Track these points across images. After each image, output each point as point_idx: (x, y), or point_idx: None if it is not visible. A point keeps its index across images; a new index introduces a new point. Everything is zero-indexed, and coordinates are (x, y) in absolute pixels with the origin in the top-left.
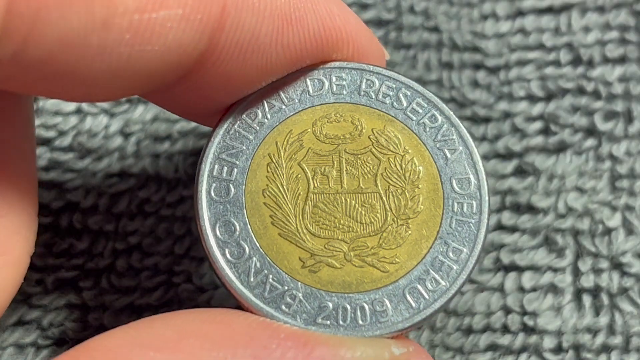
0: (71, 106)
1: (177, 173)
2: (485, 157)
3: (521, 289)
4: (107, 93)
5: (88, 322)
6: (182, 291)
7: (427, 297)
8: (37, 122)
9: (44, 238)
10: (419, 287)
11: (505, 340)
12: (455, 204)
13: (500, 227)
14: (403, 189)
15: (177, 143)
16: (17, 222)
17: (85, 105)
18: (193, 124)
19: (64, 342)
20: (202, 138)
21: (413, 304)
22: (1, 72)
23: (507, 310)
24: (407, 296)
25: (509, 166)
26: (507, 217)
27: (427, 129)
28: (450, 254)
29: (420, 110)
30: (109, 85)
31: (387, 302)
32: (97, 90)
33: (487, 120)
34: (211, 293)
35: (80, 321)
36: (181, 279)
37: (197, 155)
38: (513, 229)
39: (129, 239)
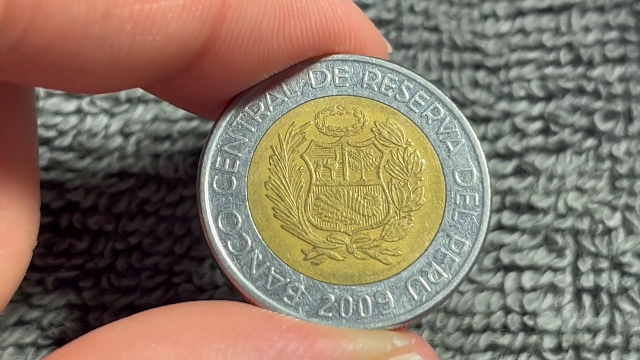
0: (71, 106)
1: (177, 173)
2: (486, 157)
3: (521, 289)
4: (107, 84)
5: (88, 322)
6: (182, 291)
7: (429, 289)
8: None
9: (44, 238)
10: (421, 279)
11: (505, 340)
12: (458, 197)
13: (500, 227)
14: (405, 181)
15: (177, 143)
16: (19, 214)
17: (85, 105)
18: (193, 124)
19: (64, 342)
20: (202, 138)
21: (415, 296)
22: (2, 62)
23: (507, 310)
24: (410, 288)
25: (509, 166)
26: (507, 217)
27: (430, 122)
28: (453, 247)
29: (423, 103)
30: (110, 76)
31: (389, 294)
32: (98, 81)
33: (487, 120)
34: (211, 293)
35: (80, 321)
36: (181, 279)
37: (197, 155)
38: (513, 229)
39: (129, 239)
